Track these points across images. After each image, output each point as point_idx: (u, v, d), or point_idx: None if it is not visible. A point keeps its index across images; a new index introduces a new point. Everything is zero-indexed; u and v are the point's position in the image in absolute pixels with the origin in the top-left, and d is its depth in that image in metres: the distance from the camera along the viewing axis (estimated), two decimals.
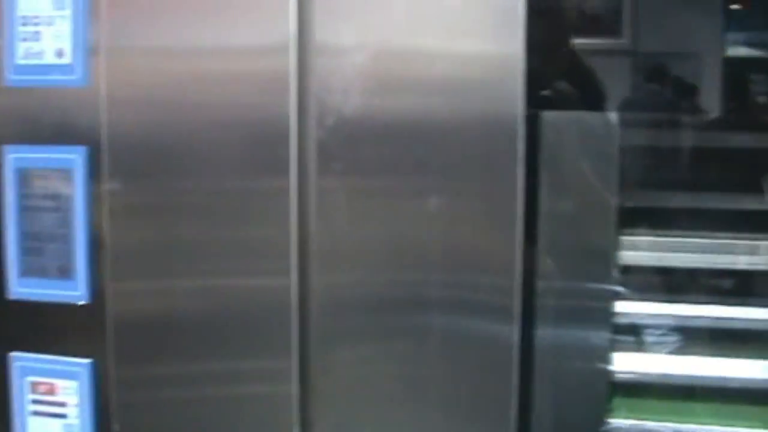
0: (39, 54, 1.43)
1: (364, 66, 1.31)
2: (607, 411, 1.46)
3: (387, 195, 1.33)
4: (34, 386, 1.48)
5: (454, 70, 1.30)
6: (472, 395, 1.36)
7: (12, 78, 1.45)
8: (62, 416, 1.47)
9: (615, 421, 1.47)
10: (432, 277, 1.33)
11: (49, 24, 1.42)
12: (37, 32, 1.43)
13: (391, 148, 1.31)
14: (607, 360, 1.46)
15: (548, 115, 1.39)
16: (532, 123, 1.34)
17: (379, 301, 1.34)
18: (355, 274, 1.34)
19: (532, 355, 1.43)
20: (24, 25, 1.44)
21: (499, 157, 1.30)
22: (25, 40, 1.44)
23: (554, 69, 1.68)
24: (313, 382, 1.38)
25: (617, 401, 1.49)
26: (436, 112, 1.31)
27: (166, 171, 1.38)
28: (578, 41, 1.85)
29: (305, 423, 1.39)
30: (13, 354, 1.47)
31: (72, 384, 1.45)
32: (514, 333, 1.32)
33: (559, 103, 1.64)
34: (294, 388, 1.37)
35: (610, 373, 1.46)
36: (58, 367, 1.46)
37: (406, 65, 1.31)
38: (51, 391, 1.47)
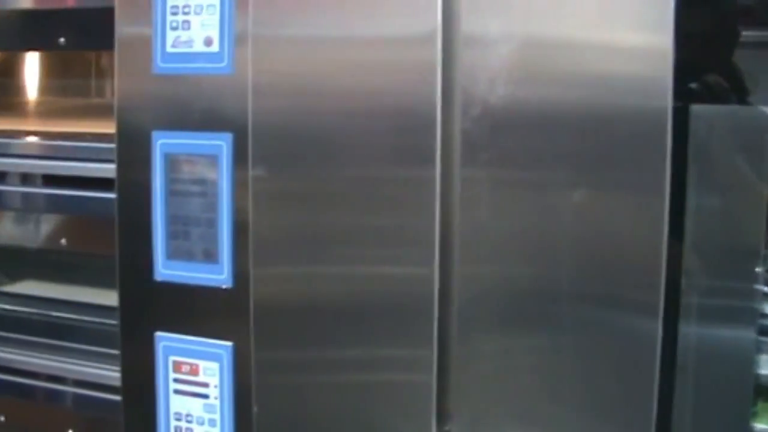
0: (188, 42, 1.46)
1: (510, 57, 1.29)
2: (751, 415, 1.42)
3: (531, 186, 1.31)
4: (177, 366, 1.51)
5: (601, 61, 1.28)
6: (611, 393, 1.34)
7: (161, 66, 1.48)
8: (203, 396, 1.50)
9: (759, 426, 1.42)
10: (574, 271, 1.31)
11: (198, 13, 1.45)
12: (186, 21, 1.46)
13: (536, 140, 1.29)
14: (752, 362, 1.41)
15: (698, 109, 1.35)
16: (680, 116, 1.31)
17: (520, 294, 1.33)
18: (497, 265, 1.33)
19: (674, 354, 1.40)
20: (174, 14, 1.47)
21: (646, 151, 1.27)
22: (174, 28, 1.47)
23: (707, 61, 1.63)
24: (452, 372, 1.37)
25: (762, 405, 1.44)
26: (582, 104, 1.28)
27: (309, 158, 1.40)
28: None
29: (442, 413, 1.38)
30: (158, 334, 1.51)
31: (213, 365, 1.48)
32: (656, 330, 1.29)
33: (707, 96, 1.60)
34: (432, 378, 1.37)
35: (756, 375, 1.42)
36: (201, 348, 1.49)
37: (552, 56, 1.29)
38: (193, 372, 1.50)
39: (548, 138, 1.29)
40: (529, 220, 1.31)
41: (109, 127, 1.58)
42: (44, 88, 2.53)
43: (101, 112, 2.26)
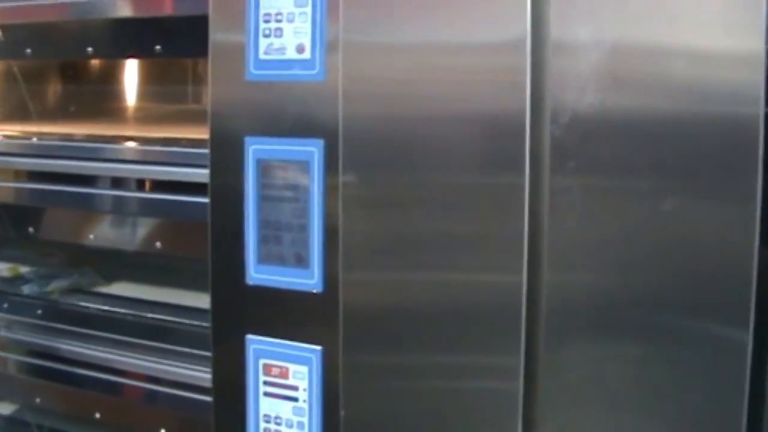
0: (280, 49, 1.48)
1: (600, 63, 1.29)
2: None
3: (620, 194, 1.30)
4: (267, 368, 1.53)
5: (691, 67, 1.26)
6: (701, 404, 1.32)
7: (254, 72, 1.51)
8: (293, 399, 1.52)
9: None
10: (664, 280, 1.30)
11: (290, 21, 1.47)
12: (279, 28, 1.48)
13: (626, 147, 1.28)
14: None
15: None
16: None
17: (609, 302, 1.32)
18: (585, 273, 1.32)
19: (765, 365, 1.37)
20: (266, 21, 1.49)
21: (737, 158, 1.25)
22: (267, 36, 1.49)
23: None
24: (539, 381, 1.37)
25: None
26: (672, 111, 1.27)
27: (399, 164, 1.41)
28: None
29: (529, 422, 1.38)
30: (249, 336, 1.54)
31: (303, 369, 1.50)
32: (747, 340, 1.27)
33: None
34: (519, 386, 1.37)
35: None
36: (291, 351, 1.51)
37: (642, 63, 1.28)
38: (283, 375, 1.52)
39: (638, 146, 1.28)
40: (617, 228, 1.30)
41: (204, 133, 1.62)
42: (142, 94, 2.59)
43: (197, 117, 2.32)
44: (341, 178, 1.42)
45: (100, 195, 2.04)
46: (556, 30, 1.31)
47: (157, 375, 1.99)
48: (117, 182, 2.04)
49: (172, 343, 1.99)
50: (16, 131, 2.37)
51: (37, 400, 2.31)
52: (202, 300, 2.05)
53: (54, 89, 2.63)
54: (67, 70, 2.64)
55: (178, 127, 2.27)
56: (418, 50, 1.39)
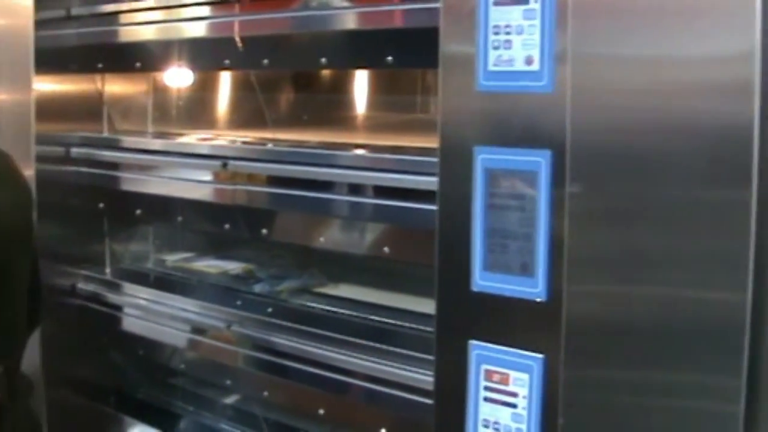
0: (509, 61, 1.51)
1: None
2: None
3: None
4: (489, 374, 1.56)
5: None
6: None
7: (484, 84, 1.54)
8: (512, 405, 1.54)
9: None
10: None
11: (519, 33, 1.49)
12: (508, 41, 1.51)
13: None
14: None
15: None
16: None
17: None
18: None
19: None
20: (496, 34, 1.52)
21: None
22: (496, 48, 1.52)
23: None
24: (761, 403, 1.33)
25: None
26: None
27: (626, 177, 1.40)
28: None
29: None
30: (472, 342, 1.57)
31: (524, 376, 1.52)
32: None
33: None
34: (740, 409, 1.34)
35: None
36: (512, 358, 1.53)
37: None
38: (504, 381, 1.54)
39: None
40: None
41: (431, 142, 1.65)
42: (370, 104, 2.67)
43: (424, 127, 2.37)
44: (568, 189, 1.43)
45: (331, 200, 2.12)
46: None
47: (380, 376, 2.04)
48: (347, 188, 2.11)
49: (394, 345, 2.04)
50: (253, 137, 2.50)
51: (265, 393, 2.42)
52: (422, 305, 2.11)
53: (288, 98, 2.74)
54: (300, 80, 2.75)
55: (405, 135, 2.33)
56: (646, 63, 1.39)
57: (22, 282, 1.78)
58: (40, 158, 2.67)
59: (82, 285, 2.82)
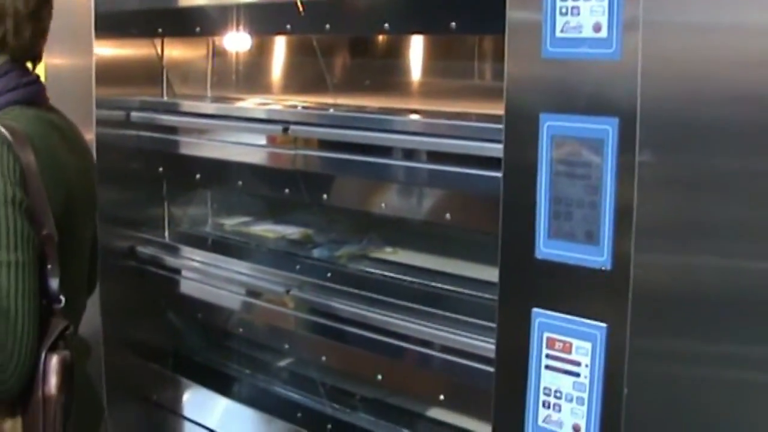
0: (576, 28, 1.49)
1: None
2: None
3: None
4: (551, 342, 1.55)
5: None
6: None
7: (550, 50, 1.52)
8: (574, 374, 1.53)
9: None
10: None
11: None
12: (575, 7, 1.49)
13: None
14: None
15: None
16: None
17: None
18: None
19: None
20: (563, 0, 1.50)
21: None
22: (564, 14, 1.50)
23: None
24: None
25: None
26: None
27: (696, 146, 1.38)
28: None
29: None
30: (535, 310, 1.56)
31: (586, 345, 1.51)
32: None
33: None
34: None
35: None
36: (575, 327, 1.52)
37: None
38: (566, 349, 1.54)
39: None
40: None
41: (490, 108, 1.64)
42: (429, 69, 2.65)
43: (481, 93, 2.36)
44: (637, 158, 1.41)
45: (394, 166, 2.12)
46: None
47: (439, 342, 2.05)
48: (409, 154, 2.11)
49: (454, 312, 2.04)
50: (314, 102, 2.50)
51: (323, 358, 2.44)
52: (483, 272, 2.11)
53: (349, 63, 2.74)
54: (360, 45, 2.74)
55: (465, 101, 2.31)
56: (719, 31, 1.36)
57: (86, 246, 1.80)
58: (100, 122, 2.69)
59: (141, 248, 2.85)
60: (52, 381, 1.53)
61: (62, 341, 1.56)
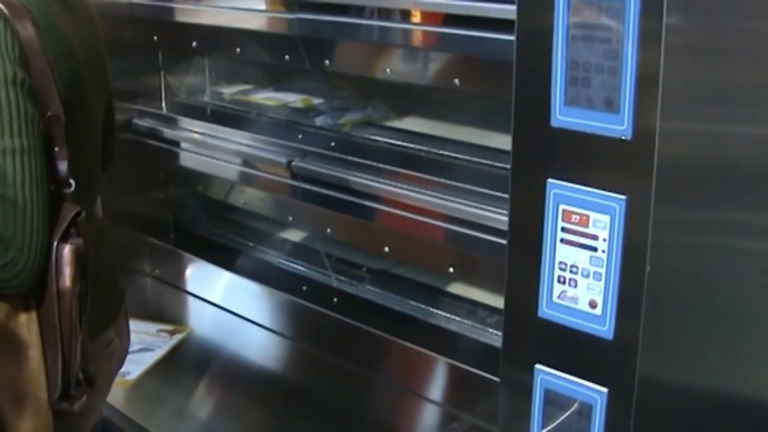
0: None
1: None
2: None
3: None
4: (567, 215, 1.48)
5: None
6: None
7: None
8: (591, 248, 1.47)
9: None
10: None
11: None
12: None
13: None
14: None
15: None
16: None
17: None
18: None
19: None
20: None
21: None
22: None
23: None
24: None
25: None
26: None
27: (728, 9, 1.30)
28: None
29: None
30: (551, 180, 1.48)
31: (604, 218, 1.44)
32: None
33: None
34: None
35: None
36: (593, 199, 1.45)
37: None
38: (582, 222, 1.47)
39: None
40: None
41: None
42: None
43: None
44: (665, 20, 1.31)
45: (402, 29, 2.03)
46: None
47: (448, 213, 1.99)
48: (419, 16, 2.01)
49: (463, 182, 1.97)
50: None
51: (328, 230, 2.39)
52: (494, 139, 2.03)
53: None
54: None
55: None
56: None
57: (97, 123, 1.71)
58: None
59: (137, 120, 2.79)
60: (66, 272, 1.46)
61: (74, 228, 1.48)
